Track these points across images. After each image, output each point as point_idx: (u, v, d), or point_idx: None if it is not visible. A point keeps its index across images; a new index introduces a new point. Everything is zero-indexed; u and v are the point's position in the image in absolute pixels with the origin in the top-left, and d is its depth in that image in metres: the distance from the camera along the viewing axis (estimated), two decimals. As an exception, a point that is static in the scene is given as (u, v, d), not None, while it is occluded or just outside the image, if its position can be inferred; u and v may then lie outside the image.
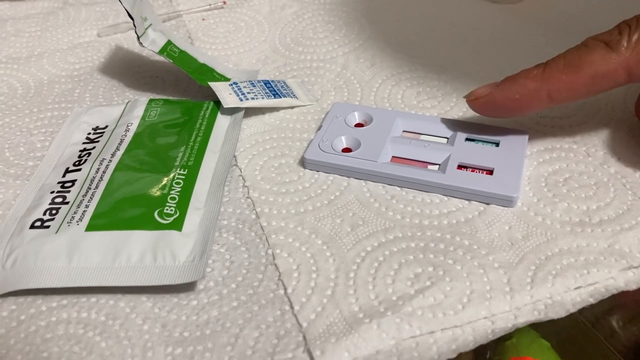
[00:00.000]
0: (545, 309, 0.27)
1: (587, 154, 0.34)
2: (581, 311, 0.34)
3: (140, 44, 0.38)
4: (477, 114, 0.34)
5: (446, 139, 0.35)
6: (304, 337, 0.26)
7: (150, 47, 0.38)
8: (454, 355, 0.25)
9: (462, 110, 0.37)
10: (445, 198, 0.32)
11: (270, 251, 0.30)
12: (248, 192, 0.33)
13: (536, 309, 0.27)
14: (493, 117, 0.34)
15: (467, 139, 0.34)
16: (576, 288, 0.27)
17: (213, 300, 0.28)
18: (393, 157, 0.34)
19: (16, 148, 0.37)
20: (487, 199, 0.31)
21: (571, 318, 0.34)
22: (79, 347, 0.26)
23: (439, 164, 0.33)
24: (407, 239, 0.30)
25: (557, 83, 0.30)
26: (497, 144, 0.34)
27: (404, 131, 0.36)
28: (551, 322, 0.33)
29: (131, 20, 0.37)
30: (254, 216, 0.32)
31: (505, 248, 0.29)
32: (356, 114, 0.37)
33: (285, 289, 0.28)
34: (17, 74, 0.44)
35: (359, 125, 0.36)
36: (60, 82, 0.43)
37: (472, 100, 0.33)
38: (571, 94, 0.31)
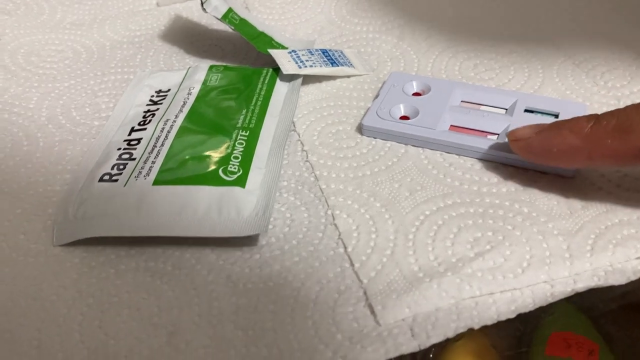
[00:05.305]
0: (605, 275, 0.27)
1: (649, 128, 0.34)
2: (625, 294, 0.35)
3: (204, 9, 0.39)
4: (537, 86, 0.34)
5: (505, 110, 0.35)
6: (365, 293, 0.26)
7: (213, 13, 0.39)
8: (514, 316, 0.26)
9: (520, 83, 0.37)
10: (504, 166, 0.32)
11: (329, 212, 0.30)
12: (307, 156, 0.34)
13: (596, 275, 0.27)
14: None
15: (526, 110, 0.34)
16: (637, 257, 0.27)
17: (275, 255, 0.29)
18: (451, 126, 0.34)
19: (82, 108, 0.39)
20: (545, 168, 0.31)
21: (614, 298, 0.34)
22: (147, 294, 0.27)
23: (498, 134, 0.33)
24: (465, 204, 0.30)
25: (601, 148, 0.26)
26: (556, 116, 0.34)
27: (462, 101, 0.36)
28: (593, 300, 0.33)
29: (195, -14, 0.38)
30: (312, 179, 0.33)
31: (564, 216, 0.29)
32: (414, 83, 0.37)
33: (345, 248, 0.29)
34: (81, 40, 0.45)
35: (416, 94, 0.37)
36: (122, 47, 0.44)
37: (512, 141, 0.30)
38: (614, 161, 0.27)
